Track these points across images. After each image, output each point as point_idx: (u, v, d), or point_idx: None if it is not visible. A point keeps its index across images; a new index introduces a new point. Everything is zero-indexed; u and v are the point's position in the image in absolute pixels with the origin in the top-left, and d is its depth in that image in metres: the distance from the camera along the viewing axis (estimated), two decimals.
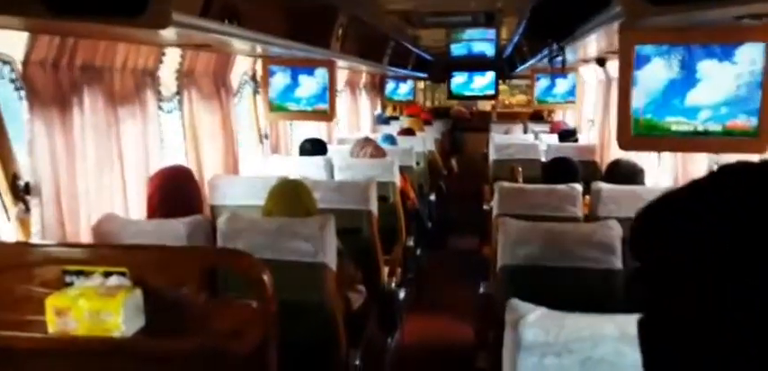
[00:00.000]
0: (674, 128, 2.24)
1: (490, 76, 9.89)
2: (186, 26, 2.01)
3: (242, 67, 3.78)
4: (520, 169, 4.56)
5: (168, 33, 2.27)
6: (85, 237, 2.32)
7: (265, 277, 1.65)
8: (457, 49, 8.98)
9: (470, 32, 8.70)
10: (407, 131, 6.20)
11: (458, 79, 9.99)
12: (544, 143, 5.59)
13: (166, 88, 3.03)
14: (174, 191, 2.62)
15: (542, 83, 6.74)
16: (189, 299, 1.63)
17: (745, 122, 2.16)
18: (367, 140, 4.26)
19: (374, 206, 3.18)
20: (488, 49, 9.07)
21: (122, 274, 1.61)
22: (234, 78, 3.68)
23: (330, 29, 3.72)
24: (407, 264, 4.02)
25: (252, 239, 2.29)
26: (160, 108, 2.95)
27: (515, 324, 1.51)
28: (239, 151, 3.65)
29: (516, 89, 11.00)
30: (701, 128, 2.21)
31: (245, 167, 3.82)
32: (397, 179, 3.86)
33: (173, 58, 3.03)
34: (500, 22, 5.67)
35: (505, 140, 5.79)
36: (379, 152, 4.14)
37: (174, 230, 2.31)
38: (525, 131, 7.44)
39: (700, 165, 3.08)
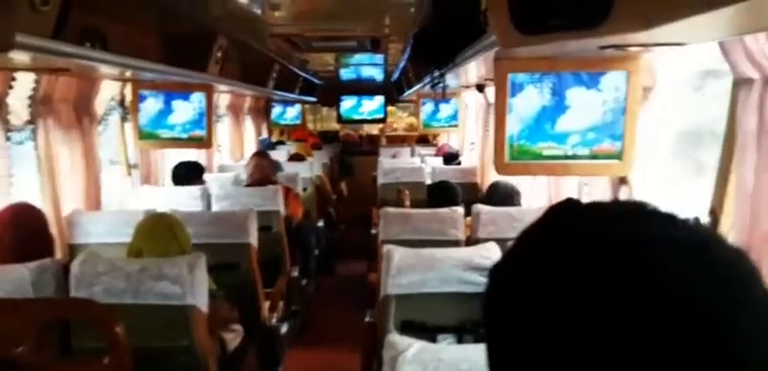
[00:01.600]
0: (545, 153, 2.31)
1: (379, 100, 10.00)
2: (34, 49, 1.78)
3: (109, 91, 3.48)
4: (407, 192, 4.58)
5: (17, 56, 2.02)
6: None
7: (118, 329, 1.46)
8: (346, 74, 8.99)
9: (359, 57, 8.75)
10: (296, 157, 6.07)
11: (347, 103, 10.00)
12: (429, 166, 5.68)
13: (17, 117, 2.71)
14: (20, 232, 2.33)
15: (427, 107, 6.89)
16: (27, 359, 1.42)
17: (610, 146, 2.26)
18: (261, 155, 4.09)
19: (254, 238, 3.03)
20: (377, 74, 9.17)
21: None
22: (99, 104, 3.38)
23: (208, 52, 3.52)
24: (292, 295, 3.87)
25: (111, 282, 2.07)
26: (8, 139, 2.63)
27: (393, 362, 1.45)
28: (105, 183, 3.34)
29: (405, 111, 11.21)
30: (570, 152, 2.29)
31: (112, 200, 3.51)
32: (282, 207, 3.72)
33: (25, 83, 2.73)
34: (386, 47, 5.71)
35: (392, 164, 5.83)
36: (272, 167, 4.01)
37: (18, 278, 2.03)
38: (412, 155, 7.55)
39: (571, 185, 3.22)
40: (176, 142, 3.65)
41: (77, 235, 2.89)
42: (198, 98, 3.56)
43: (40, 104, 2.78)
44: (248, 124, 6.93)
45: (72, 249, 2.86)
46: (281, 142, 8.01)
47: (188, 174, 3.81)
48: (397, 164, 5.98)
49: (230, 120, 6.08)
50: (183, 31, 3.23)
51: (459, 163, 6.11)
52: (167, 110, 3.57)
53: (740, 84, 1.76)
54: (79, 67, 2.44)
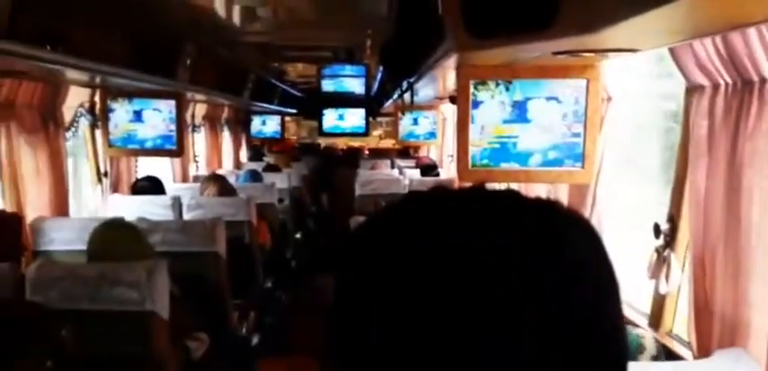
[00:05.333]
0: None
1: (360, 113, 9.99)
2: None
3: (78, 98, 3.45)
4: (383, 203, 4.59)
5: None
6: None
7: (64, 332, 1.44)
8: (327, 85, 9.00)
9: (340, 68, 8.77)
10: (272, 167, 6.06)
11: (329, 116, 9.99)
12: (407, 178, 5.69)
13: None
14: None
15: (406, 121, 6.90)
16: None
17: (571, 151, 2.26)
18: (212, 178, 4.06)
19: (222, 248, 2.99)
20: (358, 87, 9.18)
21: None
22: (68, 110, 3.34)
23: (176, 59, 3.51)
24: (266, 307, 3.84)
25: (68, 288, 2.04)
26: None
27: None
28: (74, 191, 3.31)
29: (385, 126, 11.27)
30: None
31: (81, 207, 3.47)
32: (254, 218, 3.69)
33: None
34: (362, 58, 5.73)
35: (370, 176, 5.83)
36: (226, 190, 3.96)
37: None
38: (392, 167, 7.56)
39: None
40: (147, 151, 3.62)
41: (41, 242, 2.85)
42: (168, 106, 3.54)
43: (2, 109, 2.74)
44: (226, 136, 6.90)
45: (37, 256, 2.81)
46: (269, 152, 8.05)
47: (148, 189, 3.76)
48: (375, 175, 5.98)
49: (207, 131, 6.04)
50: (150, 38, 3.22)
51: (438, 174, 6.13)
52: (137, 118, 3.55)
53: (692, 91, 1.78)
54: (38, 69, 2.41)
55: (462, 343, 0.39)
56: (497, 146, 2.25)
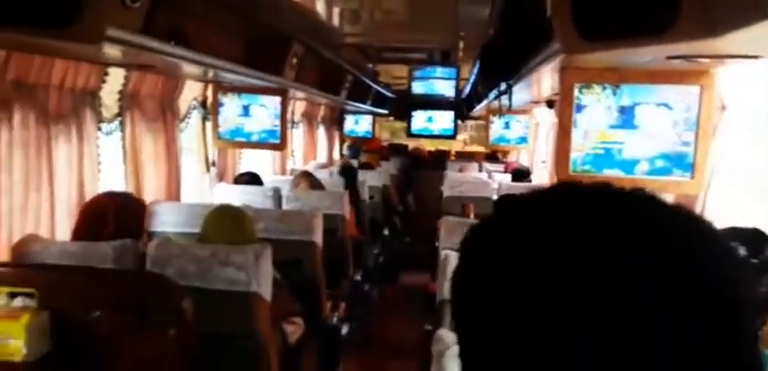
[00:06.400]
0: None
1: (449, 116, 9.99)
2: (122, 42, 1.94)
3: (192, 92, 3.70)
4: (472, 206, 4.56)
5: (109, 50, 2.20)
6: (4, 258, 2.20)
7: (185, 304, 1.57)
8: (417, 87, 9.12)
9: (431, 71, 8.86)
10: (366, 165, 6.21)
11: (418, 117, 10.06)
12: (496, 182, 5.62)
13: (107, 109, 2.94)
14: (120, 220, 2.50)
15: (497, 125, 6.83)
16: (101, 324, 1.54)
17: (681, 161, 2.18)
18: (304, 174, 4.22)
19: (319, 238, 3.12)
20: (448, 90, 9.23)
21: (30, 295, 1.51)
22: (182, 103, 3.60)
23: (283, 58, 3.68)
24: (355, 299, 3.95)
25: (182, 265, 2.20)
26: (99, 129, 2.85)
27: (440, 355, 1.47)
28: (184, 177, 3.55)
29: (470, 130, 11.24)
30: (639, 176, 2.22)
31: (190, 193, 3.72)
32: (347, 212, 3.81)
33: (116, 78, 2.95)
34: (455, 60, 5.74)
35: (458, 178, 5.80)
36: (315, 185, 4.10)
37: (101, 254, 2.19)
38: (480, 170, 7.50)
39: None
40: (253, 144, 3.84)
41: (155, 224, 3.08)
42: (273, 103, 3.73)
43: (129, 99, 3.00)
44: (321, 133, 7.15)
45: (151, 236, 3.04)
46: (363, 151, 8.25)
47: (248, 183, 3.98)
48: (463, 178, 5.95)
49: (305, 127, 6.28)
50: (260, 37, 3.40)
51: (530, 180, 6.01)
52: (245, 112, 3.77)
53: None
54: (165, 63, 2.62)
55: (563, 341, 0.40)
56: (601, 152, 2.21)
